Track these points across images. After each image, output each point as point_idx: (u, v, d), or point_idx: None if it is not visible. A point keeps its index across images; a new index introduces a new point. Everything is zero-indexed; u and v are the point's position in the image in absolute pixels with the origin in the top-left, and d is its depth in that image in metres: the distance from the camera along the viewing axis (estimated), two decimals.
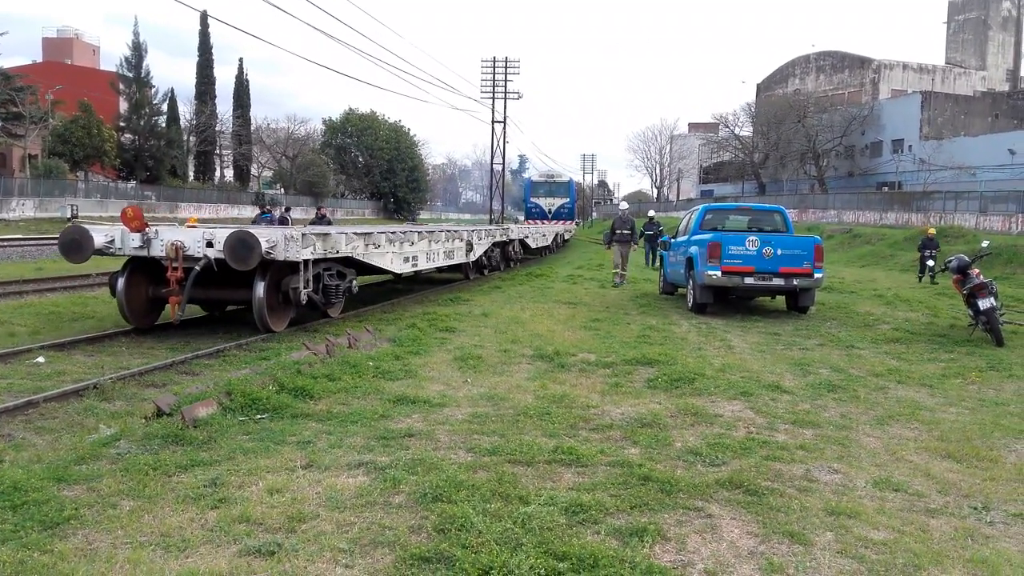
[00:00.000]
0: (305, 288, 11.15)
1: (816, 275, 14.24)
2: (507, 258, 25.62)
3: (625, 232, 20.27)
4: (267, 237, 10.40)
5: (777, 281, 14.14)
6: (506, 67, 67.32)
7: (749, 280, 14.10)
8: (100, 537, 4.23)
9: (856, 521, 4.63)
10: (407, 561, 3.95)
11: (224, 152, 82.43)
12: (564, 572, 3.82)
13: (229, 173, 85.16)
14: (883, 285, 21.25)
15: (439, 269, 19.26)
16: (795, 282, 14.15)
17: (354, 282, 13.04)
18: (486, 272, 22.63)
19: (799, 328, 12.89)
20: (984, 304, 11.55)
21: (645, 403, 7.43)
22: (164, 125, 68.95)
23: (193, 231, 11.05)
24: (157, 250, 10.81)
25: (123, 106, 66.65)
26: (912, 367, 9.69)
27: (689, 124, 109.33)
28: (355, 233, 12.49)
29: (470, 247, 19.10)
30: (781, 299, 15.80)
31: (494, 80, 67.34)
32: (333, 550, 4.09)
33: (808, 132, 63.06)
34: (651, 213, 32.62)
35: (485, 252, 21.46)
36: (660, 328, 12.48)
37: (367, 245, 12.82)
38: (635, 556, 4.04)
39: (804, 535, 4.41)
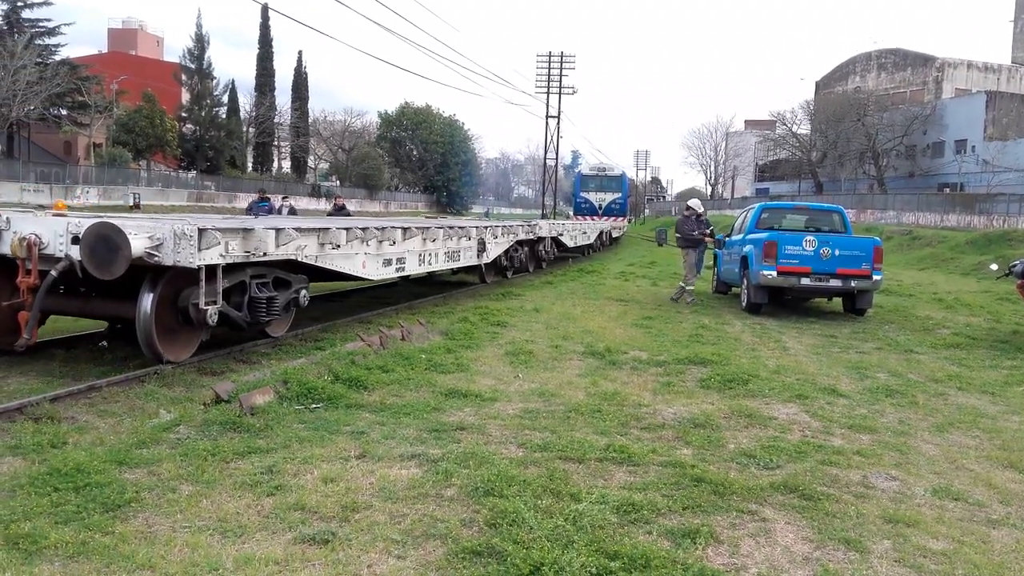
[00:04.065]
0: (210, 303, 8.10)
1: (875, 277, 13.98)
2: (537, 258, 22.46)
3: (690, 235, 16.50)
4: (149, 233, 7.53)
5: (834, 282, 13.91)
6: (561, 62, 67.19)
7: (805, 281, 13.89)
8: (159, 520, 4.33)
9: (914, 530, 4.55)
10: (458, 554, 3.98)
11: (282, 144, 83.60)
12: (615, 571, 3.81)
13: (287, 164, 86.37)
14: (943, 289, 20.78)
15: (454, 271, 17.41)
16: (853, 284, 13.91)
17: (304, 292, 10.01)
18: (509, 275, 19.70)
19: (856, 331, 12.66)
20: None
21: (698, 403, 7.37)
22: (224, 116, 70.17)
23: (55, 221, 8.15)
24: (7, 246, 8.09)
25: (185, 97, 68.01)
26: (973, 373, 9.47)
27: (745, 121, 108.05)
28: (297, 229, 9.34)
29: (482, 246, 16.23)
30: (837, 301, 15.55)
31: (549, 75, 67.26)
32: (386, 540, 4.13)
33: (868, 131, 61.82)
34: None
35: (506, 252, 18.55)
36: (713, 328, 12.37)
37: (323, 244, 9.93)
38: (687, 558, 4.01)
39: (861, 542, 4.34)
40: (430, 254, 13.59)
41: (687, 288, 16.08)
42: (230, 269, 8.45)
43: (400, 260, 12.32)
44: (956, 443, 6.46)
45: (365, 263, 11.17)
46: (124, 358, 8.80)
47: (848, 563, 4.11)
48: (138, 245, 7.40)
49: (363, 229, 10.98)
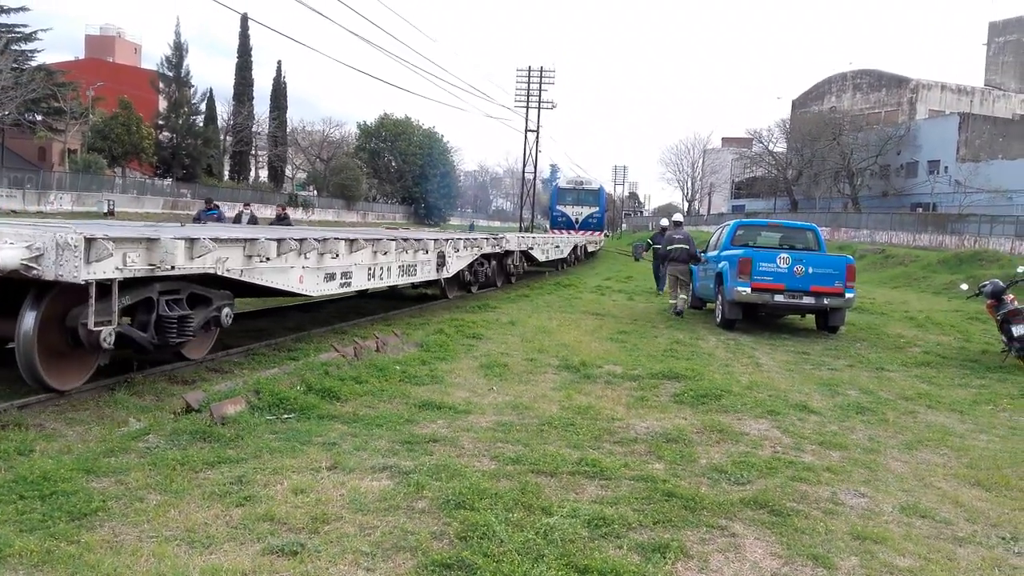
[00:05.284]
0: (104, 323, 6.91)
1: (847, 295, 14.11)
2: (506, 272, 21.40)
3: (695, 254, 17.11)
4: (27, 242, 6.49)
5: (808, 300, 14.03)
6: (541, 77, 67.37)
7: (779, 298, 14.00)
8: (126, 530, 4.28)
9: (882, 546, 4.58)
10: (428, 567, 3.96)
11: (259, 153, 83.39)
12: None
13: (264, 173, 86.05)
14: (915, 307, 20.99)
15: (414, 286, 16.64)
16: (826, 301, 14.03)
17: (226, 310, 8.90)
18: (474, 290, 18.63)
19: (828, 348, 12.77)
20: (1018, 330, 11.38)
21: (671, 418, 7.40)
22: (202, 124, 69.95)
23: None
24: None
25: (162, 104, 67.73)
26: (943, 392, 9.57)
27: (723, 138, 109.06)
28: (216, 239, 8.13)
29: (442, 260, 15.10)
30: (810, 318, 15.68)
31: (528, 89, 67.46)
32: (355, 552, 4.11)
33: (843, 150, 62.60)
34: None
35: (470, 266, 17.41)
36: (687, 343, 12.42)
37: (249, 256, 8.78)
38: (657, 572, 4.03)
39: (828, 558, 4.36)
40: (381, 268, 12.45)
41: (684, 298, 16.74)
42: (132, 284, 7.41)
43: (345, 275, 11.19)
44: (925, 461, 6.52)
45: (303, 277, 10.01)
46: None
47: None
48: (11, 256, 6.38)
49: (299, 240, 9.82)
